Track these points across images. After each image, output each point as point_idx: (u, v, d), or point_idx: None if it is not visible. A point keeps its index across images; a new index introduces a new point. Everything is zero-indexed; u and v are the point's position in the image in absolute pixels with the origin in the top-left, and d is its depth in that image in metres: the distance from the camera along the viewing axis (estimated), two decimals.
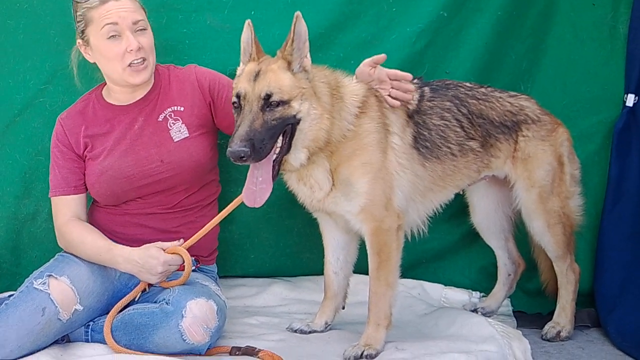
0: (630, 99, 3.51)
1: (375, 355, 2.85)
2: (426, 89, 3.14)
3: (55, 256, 3.06)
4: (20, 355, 2.77)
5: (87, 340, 2.95)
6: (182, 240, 2.97)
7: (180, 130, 3.09)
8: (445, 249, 3.74)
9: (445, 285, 3.71)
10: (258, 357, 2.84)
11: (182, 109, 3.11)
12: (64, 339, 2.94)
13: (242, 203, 2.87)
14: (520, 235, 3.52)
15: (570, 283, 3.35)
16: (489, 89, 3.27)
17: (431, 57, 3.53)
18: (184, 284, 2.93)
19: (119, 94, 3.12)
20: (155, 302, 2.88)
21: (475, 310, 3.50)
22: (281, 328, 3.22)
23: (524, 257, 3.55)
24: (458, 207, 3.55)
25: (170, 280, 2.96)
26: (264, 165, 2.72)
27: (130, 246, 2.99)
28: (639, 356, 3.12)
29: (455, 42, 3.55)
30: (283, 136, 2.74)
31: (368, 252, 2.94)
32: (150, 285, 2.99)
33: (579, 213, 3.36)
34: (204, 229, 3.00)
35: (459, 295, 3.66)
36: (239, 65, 2.89)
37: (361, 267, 3.16)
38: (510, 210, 3.44)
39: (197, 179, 3.12)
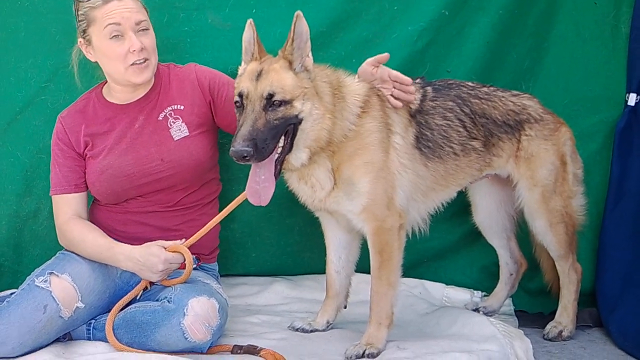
0: (632, 98, 3.50)
1: (377, 354, 2.84)
2: (429, 88, 3.13)
3: (57, 254, 3.06)
4: (22, 353, 2.77)
5: (89, 338, 2.95)
6: (183, 239, 2.97)
7: (180, 129, 3.08)
8: (447, 248, 3.73)
9: (447, 284, 3.70)
10: (260, 356, 2.83)
11: (182, 107, 3.11)
12: (65, 337, 2.94)
13: (243, 201, 2.88)
14: (522, 234, 3.52)
15: (572, 283, 3.34)
16: (491, 88, 3.27)
17: (433, 55, 3.52)
18: (185, 282, 2.93)
19: (120, 92, 3.12)
20: (156, 300, 2.88)
21: (477, 310, 3.49)
22: (283, 327, 3.22)
23: (526, 256, 3.54)
24: (460, 206, 3.54)
25: (172, 278, 2.96)
26: (266, 164, 2.72)
27: (131, 244, 2.98)
28: None
29: (457, 40, 3.54)
30: (285, 136, 2.73)
31: (370, 251, 2.94)
32: (151, 283, 2.99)
33: (581, 212, 3.36)
34: (205, 227, 2.99)
35: (460, 295, 3.65)
36: (240, 64, 2.88)
37: (363, 266, 3.16)
38: (512, 210, 3.43)
39: (197, 177, 3.11)
